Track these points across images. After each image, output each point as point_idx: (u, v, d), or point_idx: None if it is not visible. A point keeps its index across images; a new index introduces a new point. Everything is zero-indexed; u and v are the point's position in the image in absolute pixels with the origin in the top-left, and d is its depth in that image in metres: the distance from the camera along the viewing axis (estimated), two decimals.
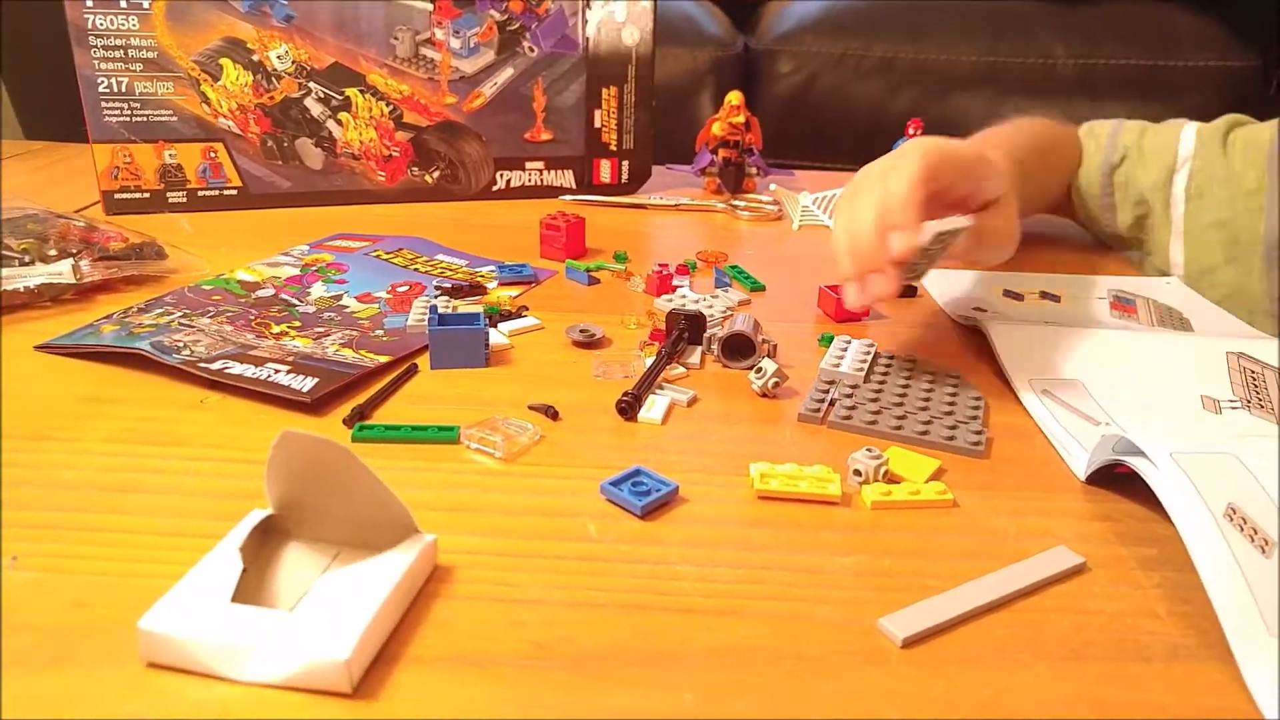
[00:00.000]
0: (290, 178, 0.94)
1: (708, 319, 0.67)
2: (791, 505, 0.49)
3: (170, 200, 0.92)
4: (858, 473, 0.50)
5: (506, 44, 0.95)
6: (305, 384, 0.58)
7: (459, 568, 0.44)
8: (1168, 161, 0.84)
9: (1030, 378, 0.63)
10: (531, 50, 0.95)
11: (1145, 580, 0.45)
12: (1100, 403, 0.60)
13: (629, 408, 0.57)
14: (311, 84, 0.92)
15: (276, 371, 0.59)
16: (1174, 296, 0.79)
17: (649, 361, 0.63)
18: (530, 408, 0.58)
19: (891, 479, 0.51)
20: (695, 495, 0.50)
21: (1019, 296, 0.78)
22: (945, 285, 0.79)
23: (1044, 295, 0.78)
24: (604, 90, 0.98)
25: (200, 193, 0.92)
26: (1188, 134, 0.84)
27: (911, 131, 1.02)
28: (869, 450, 0.50)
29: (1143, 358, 0.66)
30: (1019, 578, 0.44)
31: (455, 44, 0.93)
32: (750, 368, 0.62)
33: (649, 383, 0.59)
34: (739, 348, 0.64)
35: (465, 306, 0.71)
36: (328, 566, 0.43)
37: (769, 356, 0.63)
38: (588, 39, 0.96)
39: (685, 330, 0.65)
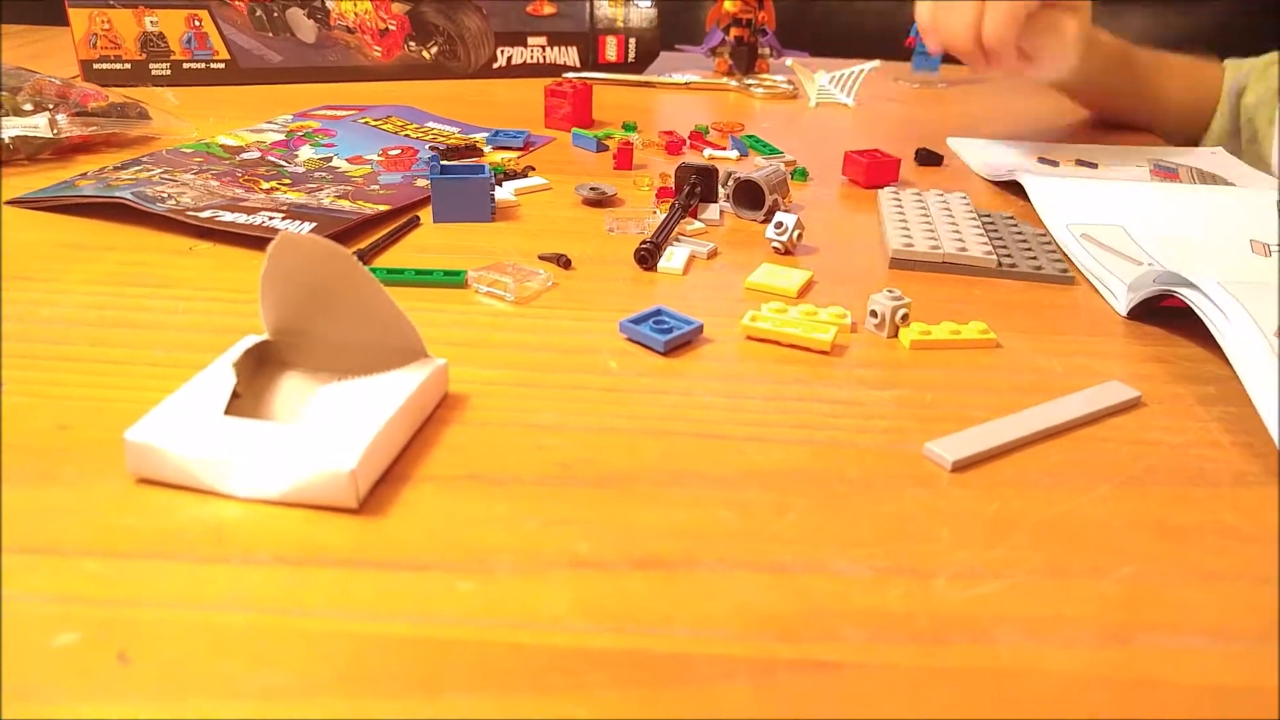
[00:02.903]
0: (281, 51, 0.89)
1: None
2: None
3: (153, 72, 0.87)
4: (874, 314, 0.47)
5: None
6: (302, 229, 0.54)
7: (473, 395, 0.41)
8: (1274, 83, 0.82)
9: (1068, 223, 0.59)
10: None
11: (1205, 414, 0.42)
12: (1143, 246, 0.57)
13: (649, 256, 0.53)
14: None
15: (271, 218, 0.55)
16: (1219, 164, 0.75)
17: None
18: (541, 258, 0.54)
19: (912, 320, 0.47)
20: (721, 335, 0.46)
21: (1054, 163, 0.74)
22: (977, 152, 0.76)
23: (1080, 162, 0.75)
24: None
25: (185, 65, 0.87)
26: None
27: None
28: (890, 291, 0.47)
29: (1186, 206, 0.63)
30: (1073, 408, 0.41)
31: None
32: (764, 219, 0.58)
33: (667, 232, 0.56)
34: (750, 195, 0.60)
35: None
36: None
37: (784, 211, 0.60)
38: None
39: (697, 184, 0.61)
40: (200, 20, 0.86)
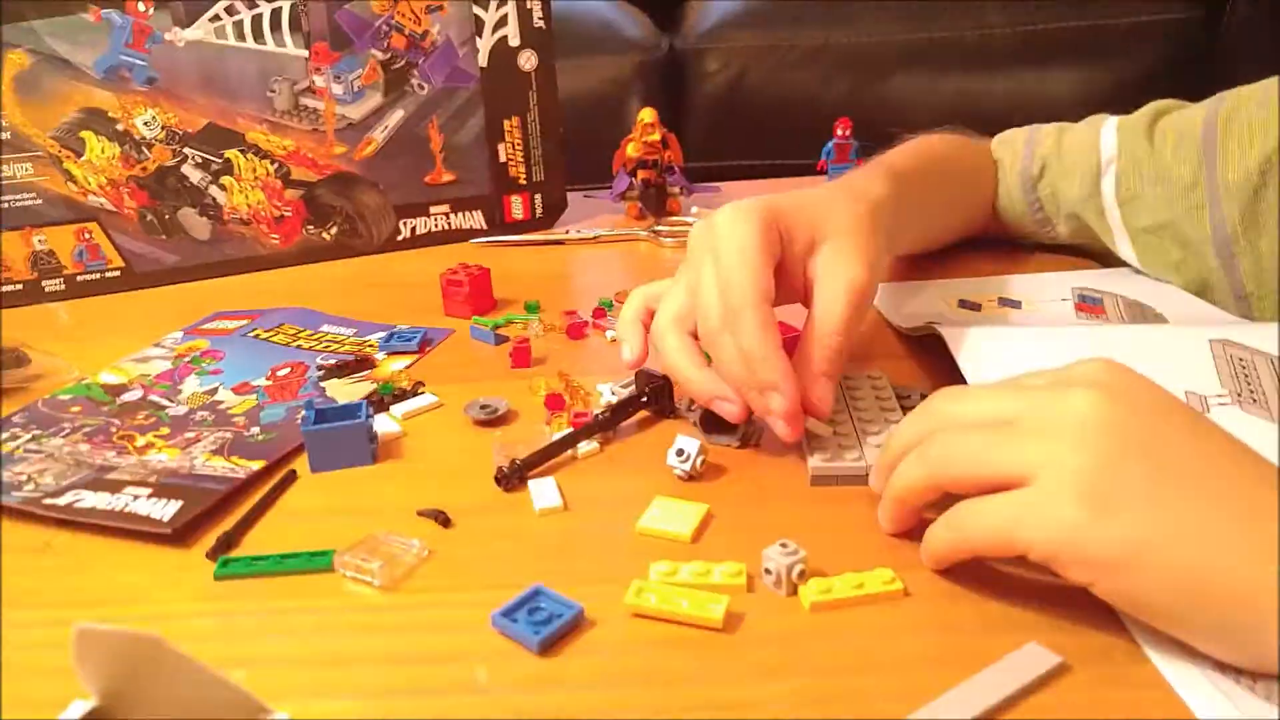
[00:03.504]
0: (177, 251, 0.86)
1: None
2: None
3: (46, 289, 0.84)
4: (769, 571, 0.44)
5: (393, 83, 0.87)
6: (167, 510, 0.51)
7: None
8: (1090, 167, 0.74)
9: (989, 378, 0.56)
10: (421, 87, 0.88)
11: (1137, 676, 0.38)
12: None
13: (505, 478, 0.51)
14: (186, 149, 0.84)
15: (136, 498, 0.52)
16: (1142, 289, 0.73)
17: (557, 436, 0.56)
18: (420, 514, 0.51)
19: (813, 574, 0.44)
20: (605, 614, 0.43)
21: (975, 306, 0.72)
22: (890, 300, 0.73)
23: (1003, 302, 0.72)
24: (505, 121, 0.91)
25: (79, 278, 0.84)
26: (1108, 133, 0.74)
27: (840, 132, 0.96)
28: (783, 545, 0.44)
29: (1115, 353, 0.60)
30: (984, 694, 0.37)
31: (338, 90, 0.86)
32: (739, 444, 0.55)
33: (548, 454, 0.53)
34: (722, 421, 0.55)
35: (349, 387, 0.64)
36: None
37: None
38: (481, 68, 0.89)
39: (647, 396, 0.58)
40: (90, 232, 0.84)
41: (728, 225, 0.53)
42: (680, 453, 0.52)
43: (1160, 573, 0.37)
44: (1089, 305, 0.71)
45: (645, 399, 0.59)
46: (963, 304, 0.72)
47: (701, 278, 0.53)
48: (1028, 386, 0.43)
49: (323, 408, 0.57)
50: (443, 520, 0.50)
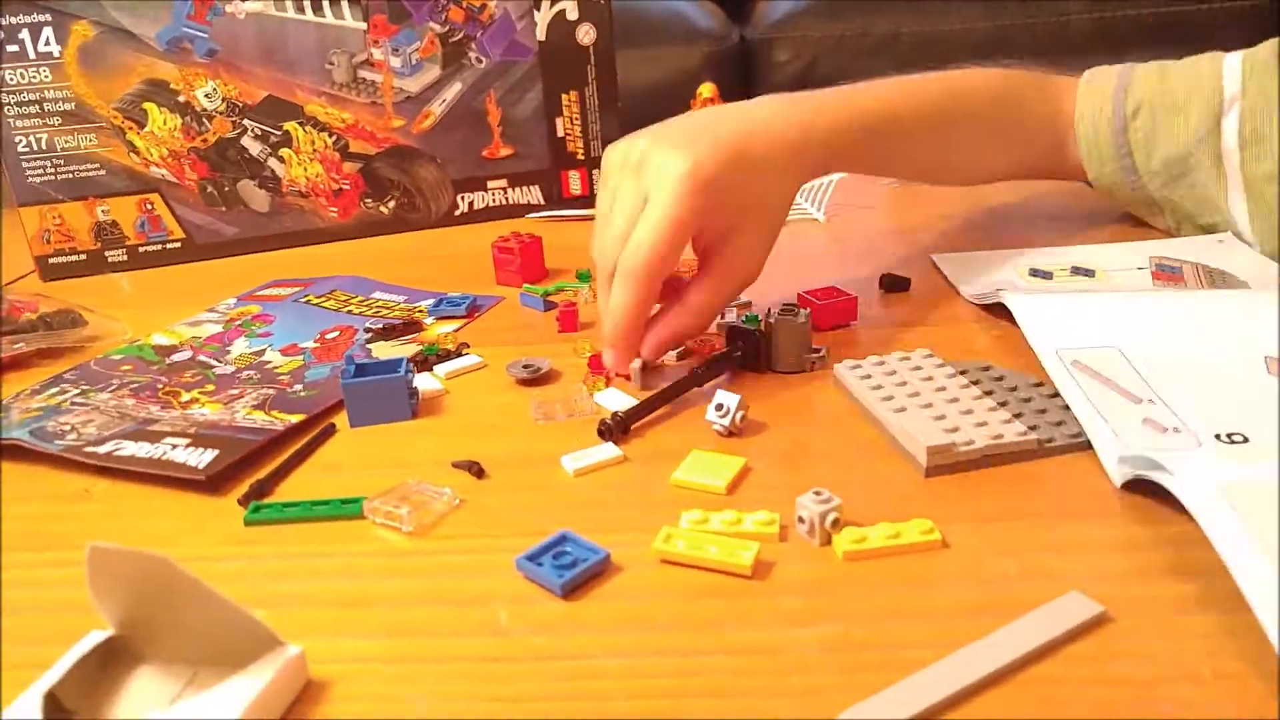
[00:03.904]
0: (236, 223, 0.87)
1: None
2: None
3: (110, 260, 0.86)
4: (802, 519, 0.42)
5: (451, 56, 0.87)
6: (202, 458, 0.51)
7: (337, 682, 0.36)
8: (1209, 104, 0.69)
9: (1058, 347, 0.53)
10: (479, 60, 0.88)
11: (1184, 629, 0.36)
12: (1141, 372, 0.51)
13: (609, 432, 0.50)
14: (246, 121, 0.85)
15: (174, 447, 0.52)
16: (1227, 258, 0.68)
17: (597, 397, 0.55)
18: (454, 466, 0.50)
19: (848, 524, 0.42)
20: (632, 560, 0.41)
21: (1047, 275, 0.68)
22: (959, 269, 0.70)
23: (1075, 271, 0.69)
24: (564, 96, 0.90)
25: (141, 248, 0.86)
26: (1231, 67, 0.69)
27: None
28: (816, 493, 0.42)
29: (1190, 319, 0.57)
30: (1022, 641, 0.35)
31: (396, 63, 0.86)
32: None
33: (652, 405, 0.53)
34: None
35: (396, 349, 0.64)
36: (180, 693, 0.36)
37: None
38: (539, 42, 0.89)
39: (740, 351, 0.57)
40: (152, 204, 0.85)
41: (663, 182, 0.55)
42: (719, 408, 0.50)
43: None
44: (1167, 274, 0.67)
45: (738, 354, 0.57)
46: (1034, 273, 0.69)
47: (614, 213, 0.58)
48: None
49: (363, 363, 0.56)
50: (476, 471, 0.49)
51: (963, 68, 0.73)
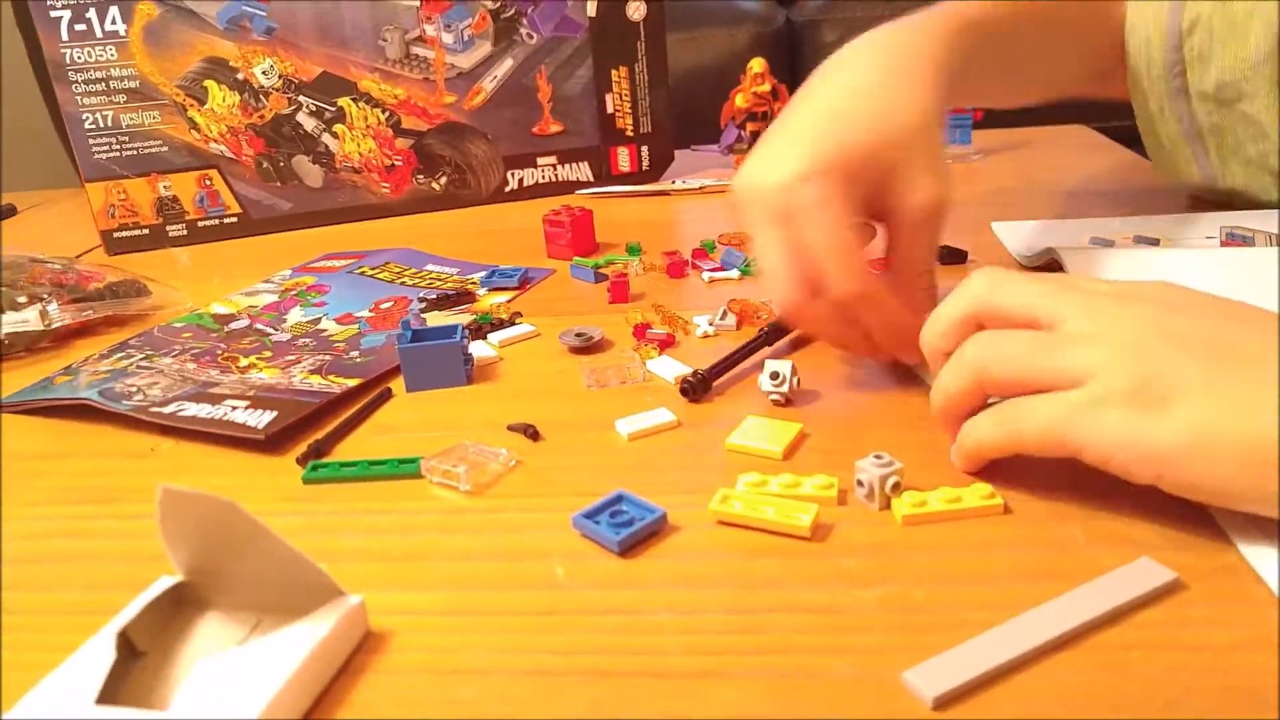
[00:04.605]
0: (290, 198, 0.89)
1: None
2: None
3: (170, 234, 0.87)
4: (861, 483, 0.41)
5: (503, 33, 0.88)
6: (261, 419, 0.51)
7: (397, 633, 0.36)
8: (1271, 26, 0.63)
9: None
10: (530, 37, 0.88)
11: (1260, 595, 0.35)
12: None
13: (692, 389, 0.50)
14: (301, 97, 0.86)
15: (234, 409, 0.53)
16: None
17: (650, 364, 0.55)
18: (509, 429, 0.50)
19: (908, 489, 0.41)
20: (689, 521, 0.41)
21: (1108, 242, 0.67)
22: (1019, 237, 0.69)
23: (1138, 240, 0.67)
24: (614, 72, 0.90)
25: (200, 223, 0.88)
26: None
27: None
28: (877, 457, 0.41)
29: (1259, 275, 0.54)
30: (1090, 605, 0.34)
31: (448, 39, 0.87)
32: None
33: (730, 363, 0.53)
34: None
35: (451, 319, 0.64)
36: (245, 638, 0.36)
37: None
38: (590, 18, 0.88)
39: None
40: (211, 179, 0.86)
41: (808, 207, 0.48)
42: (774, 375, 0.50)
43: (1227, 452, 0.35)
44: (1237, 242, 0.65)
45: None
46: (1094, 240, 0.68)
47: (771, 264, 0.49)
48: (1080, 288, 0.41)
49: (419, 329, 0.57)
50: (532, 434, 0.49)
51: None
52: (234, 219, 0.88)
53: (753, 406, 0.50)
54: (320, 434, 0.51)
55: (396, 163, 0.89)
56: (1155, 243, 0.66)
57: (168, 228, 0.87)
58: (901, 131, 0.51)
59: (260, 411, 0.52)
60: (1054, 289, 0.40)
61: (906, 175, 0.50)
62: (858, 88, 0.53)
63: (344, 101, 0.87)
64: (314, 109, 0.86)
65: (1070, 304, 0.39)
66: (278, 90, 0.85)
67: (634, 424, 0.49)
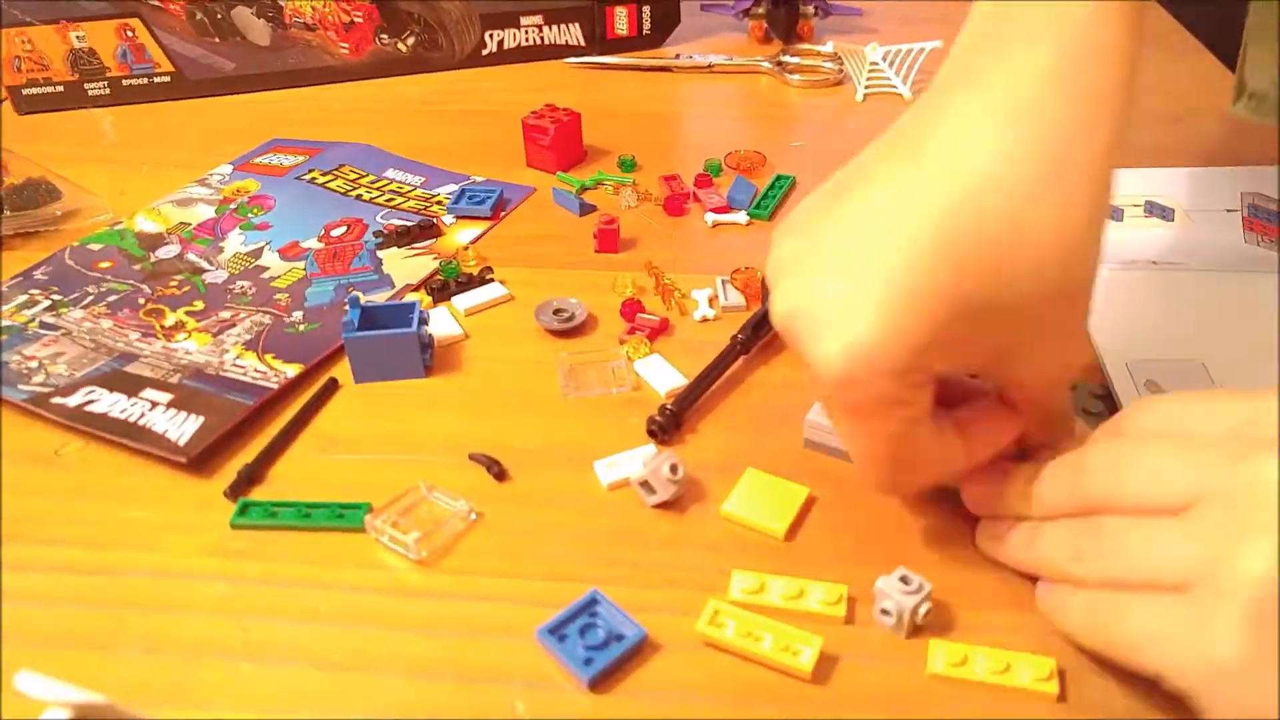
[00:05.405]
0: (233, 58, 0.76)
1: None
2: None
3: (89, 92, 0.76)
4: (886, 612, 0.35)
5: None
6: (185, 429, 0.44)
7: None
8: None
9: (1129, 359, 0.45)
10: None
11: None
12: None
13: (660, 431, 0.43)
14: None
15: (154, 405, 0.45)
16: None
17: (638, 366, 0.48)
18: (471, 458, 0.43)
19: (938, 619, 0.35)
20: (674, 639, 0.35)
21: (1118, 213, 0.58)
22: None
23: (1151, 208, 0.58)
24: None
25: (125, 81, 0.76)
26: None
27: None
28: (903, 580, 0.35)
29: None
30: None
31: None
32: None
33: (704, 384, 0.45)
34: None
35: (408, 260, 0.55)
36: None
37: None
38: None
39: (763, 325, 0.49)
40: (133, 30, 0.74)
41: (889, 406, 0.33)
42: (674, 469, 0.40)
43: None
44: (1261, 223, 0.56)
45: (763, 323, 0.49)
46: None
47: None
48: (1202, 453, 0.30)
49: (369, 307, 0.48)
50: (496, 472, 0.42)
51: None
52: (166, 78, 0.76)
53: (746, 439, 0.43)
54: (253, 452, 0.44)
55: (356, 19, 0.76)
56: (1169, 214, 0.57)
57: (86, 85, 0.75)
58: (1053, 269, 0.31)
59: (184, 416, 0.45)
60: (1178, 466, 0.30)
61: (1040, 340, 0.33)
62: (1000, 162, 0.31)
63: None
64: None
65: (1190, 479, 0.30)
66: None
67: (614, 470, 0.42)
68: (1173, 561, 0.29)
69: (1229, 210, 0.57)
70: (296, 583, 0.38)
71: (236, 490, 0.42)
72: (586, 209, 0.60)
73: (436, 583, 0.38)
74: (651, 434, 0.43)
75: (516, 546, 0.39)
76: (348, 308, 0.48)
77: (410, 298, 0.53)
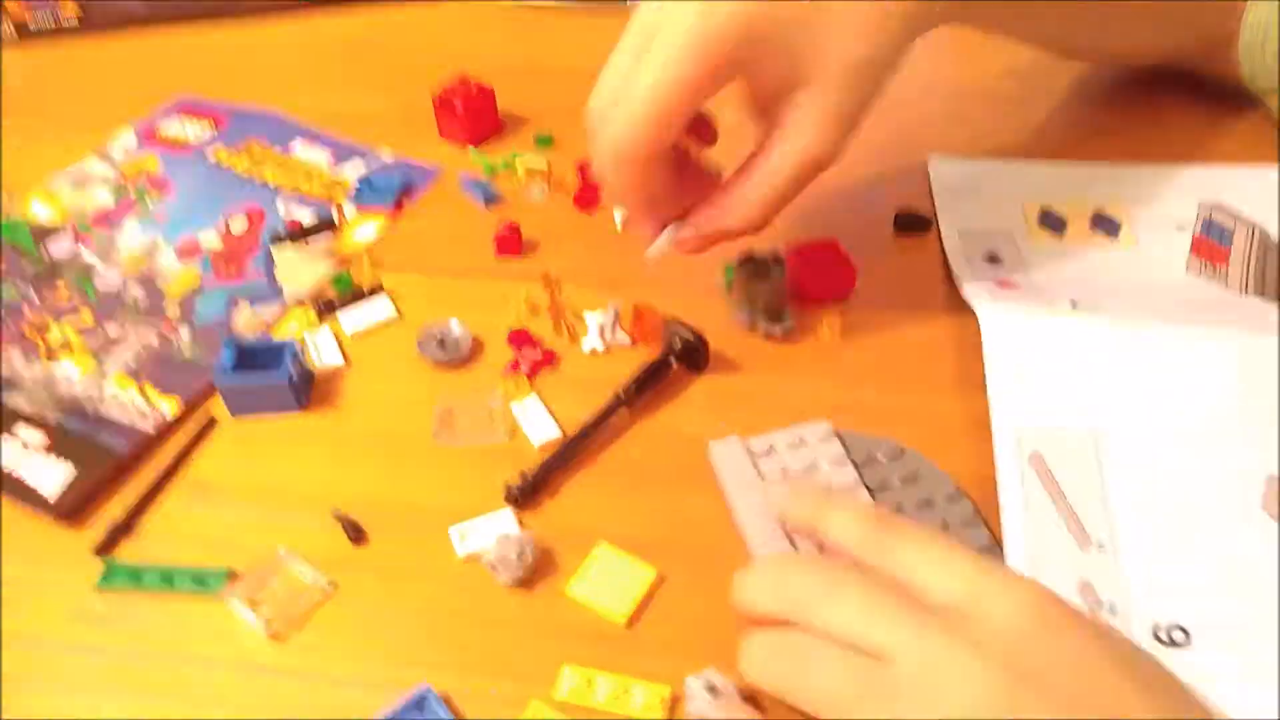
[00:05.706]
0: None
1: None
2: None
3: None
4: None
5: None
6: (55, 478, 0.45)
7: None
8: None
9: (1019, 426, 0.43)
10: None
11: None
12: (1109, 490, 0.41)
13: (518, 499, 0.44)
14: None
15: (26, 446, 0.46)
16: None
17: (515, 409, 0.47)
18: (334, 516, 0.44)
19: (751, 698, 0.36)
20: None
21: (1060, 224, 0.55)
22: (952, 188, 0.56)
23: (1097, 222, 0.55)
24: None
25: (31, 26, 0.73)
26: None
27: None
28: (710, 689, 0.36)
29: (1212, 375, 0.44)
30: None
31: None
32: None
33: (570, 451, 0.45)
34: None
35: (305, 264, 0.54)
36: None
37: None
38: None
39: (677, 356, 0.48)
40: None
41: (666, 33, 0.42)
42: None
43: None
44: (1211, 243, 0.52)
45: (676, 359, 0.48)
46: (1045, 220, 0.55)
47: (607, 68, 0.46)
48: (914, 617, 0.32)
49: (246, 345, 0.48)
50: (354, 535, 0.43)
51: None
52: (74, 20, 0.72)
53: (608, 503, 0.44)
54: (126, 498, 0.45)
55: None
56: (1115, 228, 0.54)
57: None
58: (831, 35, 0.43)
59: (58, 461, 0.45)
60: (898, 612, 0.32)
61: (811, 102, 0.44)
62: None
63: None
64: None
65: (902, 639, 0.31)
66: None
67: (467, 542, 0.42)
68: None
69: (1179, 229, 0.54)
70: (156, 654, 0.40)
71: (105, 547, 0.43)
72: (492, 200, 0.59)
73: (286, 660, 0.40)
74: (507, 499, 0.44)
75: (366, 623, 0.41)
76: (223, 349, 0.48)
77: (293, 320, 0.52)
